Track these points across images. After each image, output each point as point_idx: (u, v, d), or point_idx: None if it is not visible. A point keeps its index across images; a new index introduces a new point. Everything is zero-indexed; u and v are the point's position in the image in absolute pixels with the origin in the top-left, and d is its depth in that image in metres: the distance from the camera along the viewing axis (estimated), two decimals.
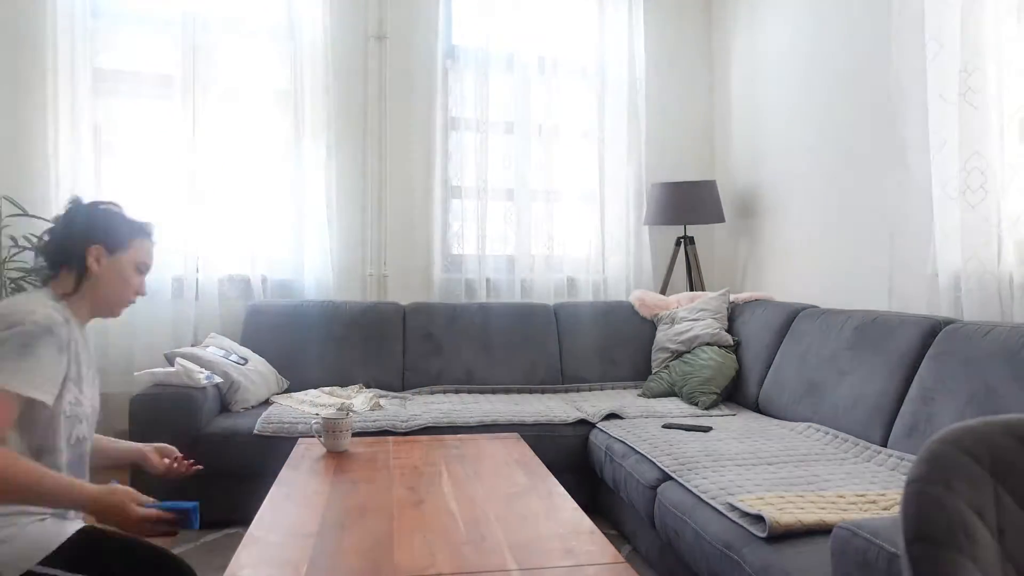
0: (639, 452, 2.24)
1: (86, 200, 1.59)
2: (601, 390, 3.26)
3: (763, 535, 1.50)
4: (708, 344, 3.07)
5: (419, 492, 1.67)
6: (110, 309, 1.58)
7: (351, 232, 3.58)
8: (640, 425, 2.54)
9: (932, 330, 2.15)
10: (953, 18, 2.26)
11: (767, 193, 3.58)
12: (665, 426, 2.51)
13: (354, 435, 2.41)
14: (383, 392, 3.06)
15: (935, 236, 2.34)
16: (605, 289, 3.84)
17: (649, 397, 3.06)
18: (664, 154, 4.04)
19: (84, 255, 1.50)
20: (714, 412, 2.77)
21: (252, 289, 3.36)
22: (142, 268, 1.60)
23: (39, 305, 1.38)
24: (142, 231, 1.60)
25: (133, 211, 1.62)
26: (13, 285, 2.93)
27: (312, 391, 2.98)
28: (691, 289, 3.70)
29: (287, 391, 3.04)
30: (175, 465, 1.68)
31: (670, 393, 3.05)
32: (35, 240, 1.79)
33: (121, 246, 1.55)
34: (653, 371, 3.25)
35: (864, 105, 2.90)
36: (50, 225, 1.58)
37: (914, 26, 2.45)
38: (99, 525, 1.39)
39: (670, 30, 4.06)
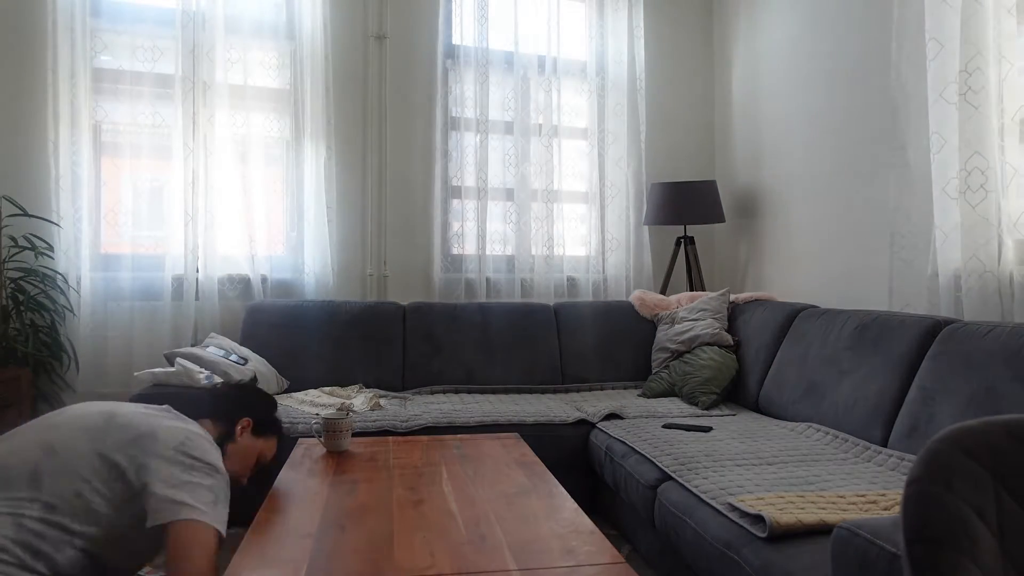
0: (639, 452, 2.24)
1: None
2: (601, 390, 3.25)
3: (763, 535, 1.50)
4: (708, 344, 3.07)
5: (419, 492, 1.67)
6: (233, 476, 1.75)
7: (351, 232, 3.58)
8: (640, 425, 2.54)
9: (932, 330, 2.15)
10: (953, 18, 2.26)
11: (767, 193, 3.58)
12: (665, 426, 2.50)
13: (354, 435, 2.41)
14: (383, 392, 3.06)
15: (935, 236, 2.34)
16: (605, 289, 3.84)
17: (649, 397, 3.05)
18: (664, 154, 4.04)
19: (235, 421, 1.76)
20: (714, 412, 2.77)
21: (252, 289, 3.36)
22: (261, 459, 1.83)
23: (218, 453, 1.56)
24: (282, 434, 1.91)
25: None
26: (13, 285, 2.93)
27: (312, 391, 2.98)
28: (691, 289, 3.70)
29: (287, 391, 3.04)
30: None
31: (670, 393, 3.05)
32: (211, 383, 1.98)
33: (264, 434, 1.82)
34: (653, 371, 3.25)
35: (864, 105, 2.90)
36: (232, 382, 1.91)
37: (914, 26, 2.45)
38: None
39: (670, 30, 4.06)
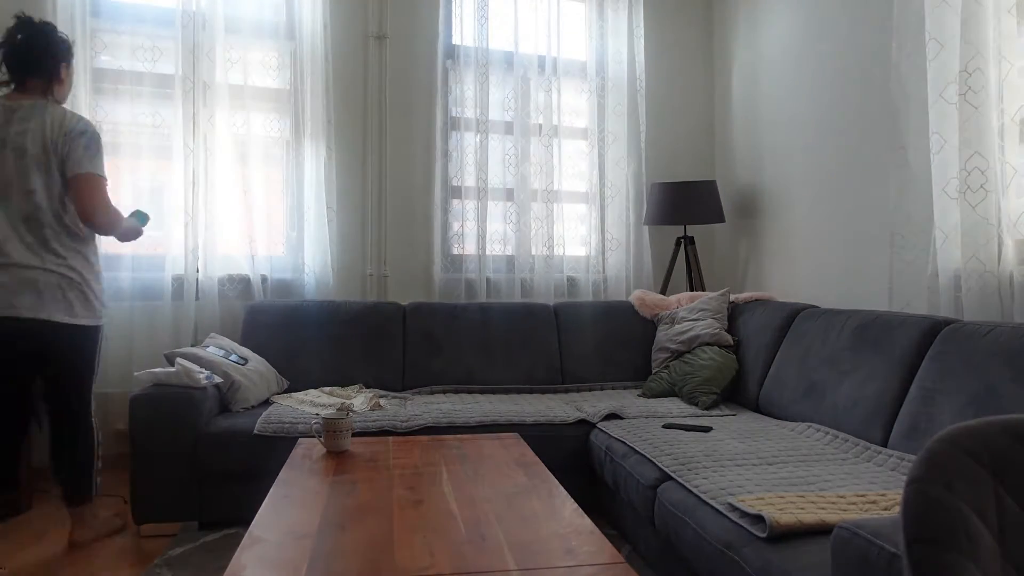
0: (639, 452, 2.24)
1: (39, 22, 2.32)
2: (601, 390, 3.25)
3: (763, 535, 1.50)
4: (708, 344, 3.07)
5: (419, 492, 1.67)
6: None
7: (351, 232, 3.59)
8: (640, 425, 2.54)
9: (932, 330, 2.15)
10: (953, 18, 2.26)
11: (767, 193, 3.58)
12: (665, 426, 2.50)
13: (354, 435, 2.42)
14: (383, 392, 3.06)
15: (935, 236, 2.34)
16: (605, 289, 3.84)
17: (649, 397, 3.05)
18: (664, 154, 4.04)
19: (58, 68, 2.31)
20: (714, 412, 2.77)
21: (252, 289, 3.36)
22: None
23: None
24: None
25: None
26: None
27: (312, 391, 2.98)
28: (691, 289, 3.70)
29: (287, 391, 3.04)
30: None
31: (670, 393, 3.05)
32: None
33: (71, 58, 2.39)
34: (653, 371, 3.25)
35: (864, 105, 2.90)
36: (16, 39, 2.27)
37: (914, 26, 2.45)
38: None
39: (670, 30, 4.06)
